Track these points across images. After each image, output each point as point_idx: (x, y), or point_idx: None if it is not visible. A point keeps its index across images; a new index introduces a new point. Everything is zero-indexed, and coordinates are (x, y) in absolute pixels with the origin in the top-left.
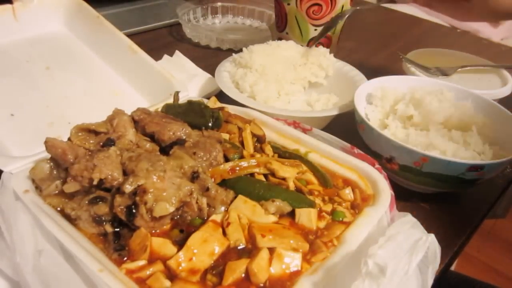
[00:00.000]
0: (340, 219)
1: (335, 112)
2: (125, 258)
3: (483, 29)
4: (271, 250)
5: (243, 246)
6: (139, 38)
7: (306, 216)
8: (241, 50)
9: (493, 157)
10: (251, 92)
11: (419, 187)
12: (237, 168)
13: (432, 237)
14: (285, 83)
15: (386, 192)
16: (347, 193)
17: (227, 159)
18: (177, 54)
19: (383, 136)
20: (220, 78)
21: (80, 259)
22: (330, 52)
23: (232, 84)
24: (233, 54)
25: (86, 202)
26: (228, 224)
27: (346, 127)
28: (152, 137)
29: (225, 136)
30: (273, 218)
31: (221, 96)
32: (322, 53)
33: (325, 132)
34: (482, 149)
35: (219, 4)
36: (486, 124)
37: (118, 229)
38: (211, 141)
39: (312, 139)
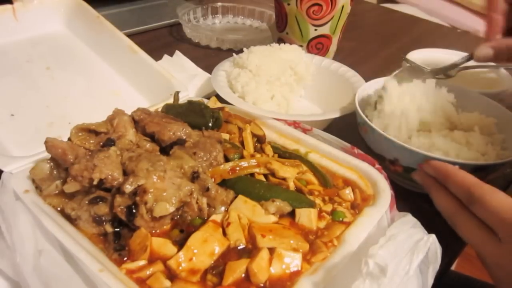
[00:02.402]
0: (340, 219)
1: (334, 115)
2: (125, 258)
3: (483, 29)
4: (271, 250)
5: (243, 246)
6: (139, 38)
7: (306, 216)
8: (241, 50)
9: (496, 157)
10: (242, 93)
11: (423, 188)
12: (237, 168)
13: (433, 237)
14: (278, 86)
15: (386, 192)
16: (347, 193)
17: (227, 159)
18: (177, 54)
19: (386, 138)
20: (215, 76)
21: (80, 259)
22: (330, 52)
23: (226, 83)
24: (234, 54)
25: (86, 202)
26: (228, 224)
27: (346, 127)
28: (152, 137)
29: (225, 136)
30: (273, 218)
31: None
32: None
33: (325, 132)
34: (485, 149)
35: (219, 4)
36: (488, 124)
37: (118, 229)
38: (211, 141)
39: (312, 139)
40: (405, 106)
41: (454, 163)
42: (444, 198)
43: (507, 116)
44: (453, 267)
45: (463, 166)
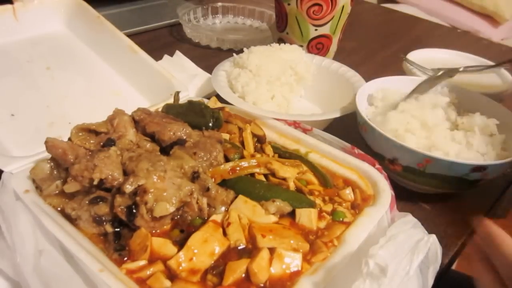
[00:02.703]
0: (341, 219)
1: (335, 115)
2: (126, 258)
3: (483, 29)
4: (272, 250)
5: (244, 246)
6: (139, 38)
7: (307, 216)
8: (241, 50)
9: (496, 158)
10: (242, 93)
11: (422, 188)
12: (238, 168)
13: (433, 237)
14: (278, 86)
15: (386, 192)
16: (348, 193)
17: (227, 159)
18: (178, 54)
19: (386, 137)
20: (216, 76)
21: (80, 259)
22: (331, 52)
23: (226, 84)
24: (234, 54)
25: (87, 202)
26: (229, 224)
27: (347, 127)
28: (152, 137)
29: (226, 136)
30: (274, 218)
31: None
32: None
33: (325, 132)
34: (485, 150)
35: (219, 4)
36: (489, 125)
37: (118, 229)
38: (211, 141)
39: (312, 139)
40: (406, 106)
41: (453, 163)
42: (484, 277)
43: (508, 117)
44: (453, 267)
45: (462, 166)
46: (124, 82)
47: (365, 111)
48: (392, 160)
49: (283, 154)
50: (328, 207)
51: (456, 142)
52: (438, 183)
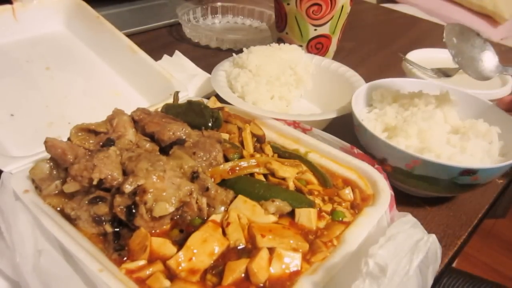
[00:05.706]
0: (340, 219)
1: (334, 115)
2: (125, 258)
3: (483, 29)
4: (271, 250)
5: (243, 246)
6: (139, 38)
7: (306, 216)
8: (241, 50)
9: (492, 163)
10: (241, 93)
11: (412, 190)
12: (237, 168)
13: (433, 237)
14: (278, 86)
15: (386, 192)
16: (347, 193)
17: (227, 159)
18: (177, 54)
19: (376, 137)
20: (215, 76)
21: (80, 259)
22: (330, 52)
23: (226, 83)
24: (233, 54)
25: (86, 202)
26: (228, 224)
27: (346, 127)
28: (152, 137)
29: (225, 136)
30: (273, 218)
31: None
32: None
33: (325, 132)
34: (481, 155)
35: (219, 4)
36: (490, 132)
37: (118, 229)
38: (211, 141)
39: (312, 139)
40: (404, 108)
41: (441, 165)
42: None
43: (510, 124)
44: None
45: (451, 169)
46: (123, 82)
47: (363, 112)
48: (382, 160)
49: (282, 154)
50: (328, 207)
51: (451, 146)
52: (426, 185)
